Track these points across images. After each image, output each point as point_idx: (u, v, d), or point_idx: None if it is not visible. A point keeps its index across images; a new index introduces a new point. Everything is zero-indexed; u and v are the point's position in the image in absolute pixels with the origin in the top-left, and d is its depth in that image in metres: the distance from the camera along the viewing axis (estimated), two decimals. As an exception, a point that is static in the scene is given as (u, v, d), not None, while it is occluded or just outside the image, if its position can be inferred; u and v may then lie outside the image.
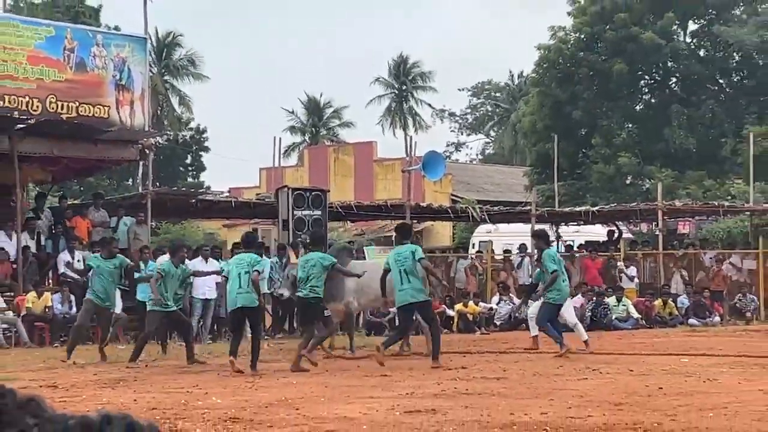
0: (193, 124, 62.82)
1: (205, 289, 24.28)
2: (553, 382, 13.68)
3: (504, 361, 16.92)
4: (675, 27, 46.03)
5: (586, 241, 34.23)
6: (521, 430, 9.67)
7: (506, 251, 31.36)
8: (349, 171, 54.51)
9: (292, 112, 71.92)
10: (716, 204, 32.94)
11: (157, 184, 53.09)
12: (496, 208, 33.27)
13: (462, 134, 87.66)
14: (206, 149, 62.55)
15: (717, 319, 28.20)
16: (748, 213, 34.28)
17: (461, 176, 55.34)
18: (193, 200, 29.44)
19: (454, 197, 49.68)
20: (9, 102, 23.85)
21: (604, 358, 17.40)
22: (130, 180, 52.93)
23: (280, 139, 32.53)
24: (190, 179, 60.94)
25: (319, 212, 26.06)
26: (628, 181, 44.83)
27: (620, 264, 29.54)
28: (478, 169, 65.16)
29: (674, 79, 48.01)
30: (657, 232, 32.23)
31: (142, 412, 11.24)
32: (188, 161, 62.23)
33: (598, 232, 35.65)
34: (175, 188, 33.21)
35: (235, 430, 10.00)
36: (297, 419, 10.55)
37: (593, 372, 14.95)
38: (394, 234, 19.91)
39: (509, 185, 54.91)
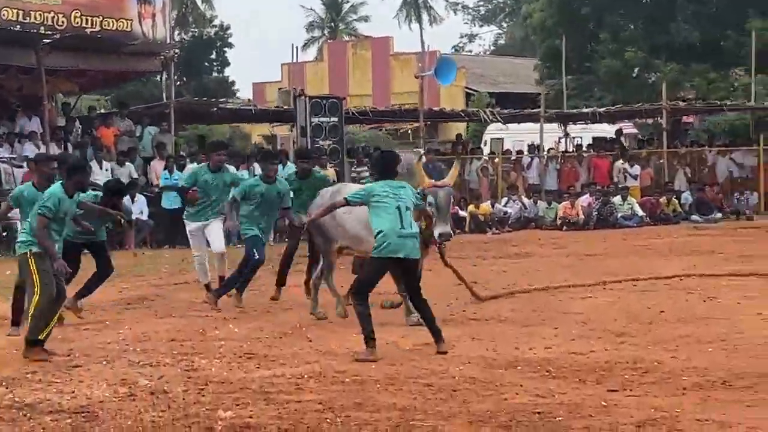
0: (216, 21, 61.91)
1: None
2: (559, 303, 13.49)
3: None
4: None
5: (594, 138, 33.82)
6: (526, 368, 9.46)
7: (518, 152, 31.04)
8: (366, 65, 53.87)
9: (311, 9, 70.91)
10: (719, 102, 32.39)
11: (184, 78, 52.73)
12: (506, 111, 32.77)
13: (474, 26, 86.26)
14: (230, 45, 61.64)
15: (719, 215, 27.87)
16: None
17: (474, 68, 54.50)
18: (215, 108, 29.11)
19: (468, 90, 49.17)
20: (35, 18, 23.58)
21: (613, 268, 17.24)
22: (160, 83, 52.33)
23: (298, 48, 32.00)
24: (215, 74, 60.20)
25: (336, 119, 25.71)
26: (634, 75, 44.05)
27: (624, 164, 28.96)
28: (488, 60, 64.27)
29: (680, -26, 46.85)
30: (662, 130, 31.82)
31: (161, 343, 11.06)
32: (213, 57, 61.40)
33: (605, 129, 35.16)
34: (197, 99, 32.69)
35: (249, 368, 9.78)
36: (309, 354, 10.34)
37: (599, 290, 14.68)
38: None
39: (521, 76, 54.00)
